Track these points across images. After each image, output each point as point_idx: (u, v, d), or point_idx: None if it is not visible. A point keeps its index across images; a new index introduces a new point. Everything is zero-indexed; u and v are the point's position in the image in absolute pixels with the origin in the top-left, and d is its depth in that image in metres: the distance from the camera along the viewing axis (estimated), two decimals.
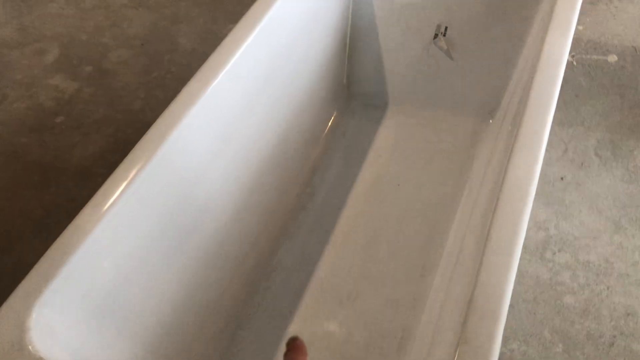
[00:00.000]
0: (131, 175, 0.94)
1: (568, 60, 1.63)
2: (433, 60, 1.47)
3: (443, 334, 0.93)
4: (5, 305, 0.76)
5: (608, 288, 1.17)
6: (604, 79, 1.57)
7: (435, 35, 1.45)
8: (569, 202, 1.31)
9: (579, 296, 1.16)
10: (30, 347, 0.73)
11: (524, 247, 1.25)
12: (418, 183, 1.36)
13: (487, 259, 0.80)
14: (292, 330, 1.14)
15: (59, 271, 0.80)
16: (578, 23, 1.58)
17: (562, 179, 1.36)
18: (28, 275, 0.78)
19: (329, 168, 1.42)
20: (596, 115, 1.49)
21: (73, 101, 1.74)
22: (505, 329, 1.14)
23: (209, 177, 1.10)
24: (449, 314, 0.94)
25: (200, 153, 1.07)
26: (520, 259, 1.23)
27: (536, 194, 1.37)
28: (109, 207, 0.89)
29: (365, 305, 1.16)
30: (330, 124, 1.51)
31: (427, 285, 1.17)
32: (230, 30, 1.12)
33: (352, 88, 1.57)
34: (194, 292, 1.09)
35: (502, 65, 1.40)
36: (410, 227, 1.28)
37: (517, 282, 1.19)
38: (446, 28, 1.44)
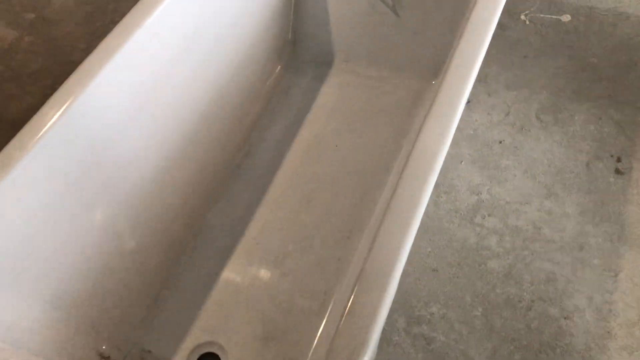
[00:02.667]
0: (38, 135, 0.92)
1: (521, 19, 1.59)
2: (379, 17, 1.43)
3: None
4: None
5: (532, 254, 1.18)
6: (555, 39, 1.53)
7: None
8: (505, 167, 1.31)
9: (503, 261, 1.17)
10: None
11: (455, 210, 1.25)
12: (356, 145, 1.34)
13: (384, 226, 0.80)
14: (215, 294, 1.14)
15: None
16: None
17: (500, 142, 1.35)
18: None
19: (268, 127, 1.39)
20: (542, 77, 1.46)
21: (12, 50, 1.67)
22: (426, 293, 1.15)
23: (129, 134, 1.07)
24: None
25: (118, 110, 1.04)
26: (450, 222, 1.24)
27: (473, 158, 1.37)
28: (13, 165, 0.87)
29: (292, 266, 1.17)
30: (272, 80, 1.47)
31: (352, 248, 1.18)
32: None
33: (298, 44, 1.53)
34: (115, 252, 1.08)
35: (447, 24, 1.36)
36: (344, 190, 1.27)
37: (444, 246, 1.20)
38: None
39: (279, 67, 1.50)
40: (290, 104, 1.43)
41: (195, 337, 1.10)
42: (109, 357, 1.06)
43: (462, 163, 1.32)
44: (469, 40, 1.08)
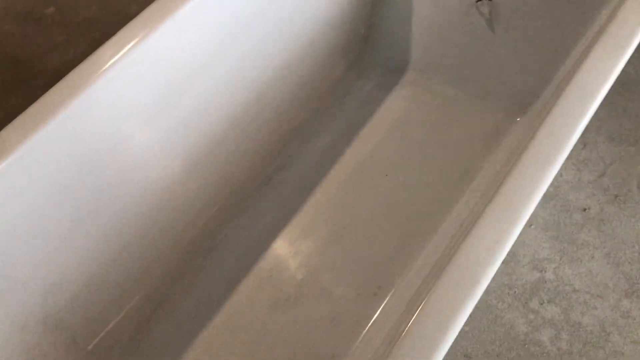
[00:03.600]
0: (34, 128, 0.79)
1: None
2: (470, 28, 1.18)
3: None
4: None
5: None
6: None
7: None
8: (583, 242, 1.07)
9: None
10: None
11: (509, 286, 1.04)
12: (410, 178, 1.14)
13: (433, 295, 0.63)
14: (213, 324, 1.01)
15: None
16: None
17: (584, 210, 1.11)
18: None
19: (312, 137, 1.20)
20: None
21: None
22: None
23: (139, 136, 0.93)
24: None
25: (131, 107, 0.89)
26: (500, 300, 1.03)
27: (546, 223, 1.13)
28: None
29: (302, 313, 1.01)
30: (329, 81, 1.27)
31: (376, 307, 1.00)
32: None
33: (370, 42, 1.31)
34: (109, 261, 0.96)
35: (551, 53, 1.10)
36: (383, 233, 1.08)
37: (486, 328, 1.00)
38: None
39: (341, 66, 1.29)
40: (344, 113, 1.23)
41: None
42: None
43: (532, 227, 1.10)
44: (592, 70, 0.83)
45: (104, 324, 0.98)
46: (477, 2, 1.16)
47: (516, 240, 1.04)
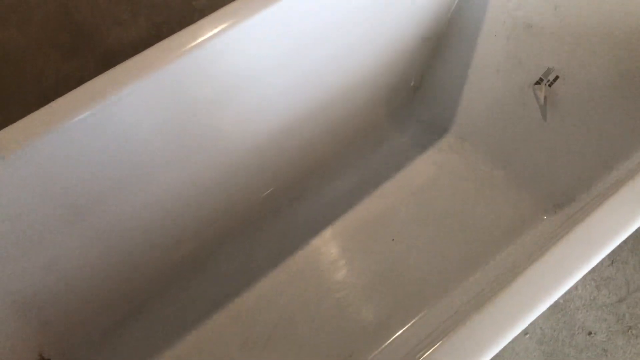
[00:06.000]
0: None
1: None
2: (522, 108, 1.11)
3: None
4: None
5: None
6: None
7: (539, 81, 1.07)
8: None
9: None
10: None
11: None
12: (417, 249, 1.09)
13: None
14: (181, 347, 1.01)
15: None
16: None
17: (589, 334, 1.02)
18: None
19: (334, 178, 1.17)
20: None
21: None
22: None
23: (150, 148, 0.92)
24: None
25: (147, 119, 0.88)
26: None
27: (543, 336, 1.05)
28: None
29: (271, 358, 1.00)
30: (369, 125, 1.23)
31: None
32: None
33: (417, 95, 1.25)
34: (95, 257, 0.98)
35: (601, 159, 1.02)
36: (373, 300, 1.04)
37: None
38: (556, 78, 1.05)
39: (383, 112, 1.25)
40: (371, 162, 1.19)
41: None
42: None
43: (527, 336, 1.03)
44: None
45: (75, 314, 1.00)
46: (535, 84, 1.08)
47: (506, 345, 0.98)
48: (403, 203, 1.14)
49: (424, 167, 1.18)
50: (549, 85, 1.07)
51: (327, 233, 1.11)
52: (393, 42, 1.12)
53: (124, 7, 1.51)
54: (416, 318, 1.03)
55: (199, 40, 0.82)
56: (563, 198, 1.08)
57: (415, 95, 1.25)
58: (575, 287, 1.07)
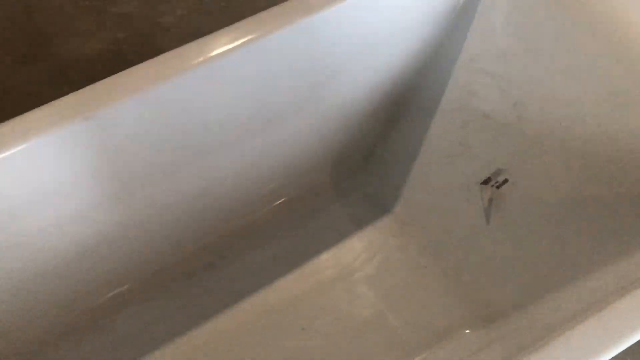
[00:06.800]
0: None
1: None
2: (467, 204, 1.00)
3: None
4: None
5: None
6: None
7: (488, 180, 0.96)
8: None
9: None
10: None
11: None
12: (324, 342, 0.99)
13: None
14: None
15: None
16: None
17: None
18: None
19: (257, 245, 1.08)
20: None
21: None
22: None
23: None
24: None
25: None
26: None
27: None
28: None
29: None
30: (307, 189, 1.13)
31: None
32: None
33: (368, 166, 1.14)
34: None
35: (544, 276, 0.90)
36: None
37: None
38: (505, 181, 0.94)
39: (326, 177, 1.14)
40: (301, 233, 1.09)
41: None
42: None
43: None
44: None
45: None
46: (482, 182, 0.96)
47: None
48: (325, 287, 1.04)
49: (358, 247, 1.08)
50: (497, 187, 0.95)
51: (234, 311, 1.01)
52: (343, 107, 1.01)
53: (90, 18, 1.43)
54: None
55: None
56: (495, 314, 0.96)
57: (366, 165, 1.14)
58: None
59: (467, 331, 0.97)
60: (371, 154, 1.13)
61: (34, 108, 0.64)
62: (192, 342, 0.98)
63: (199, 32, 0.74)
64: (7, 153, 0.63)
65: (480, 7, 0.92)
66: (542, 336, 0.63)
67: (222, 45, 0.73)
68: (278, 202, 1.11)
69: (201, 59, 0.72)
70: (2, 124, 0.63)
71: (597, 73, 0.79)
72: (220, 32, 0.74)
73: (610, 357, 0.57)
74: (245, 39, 0.73)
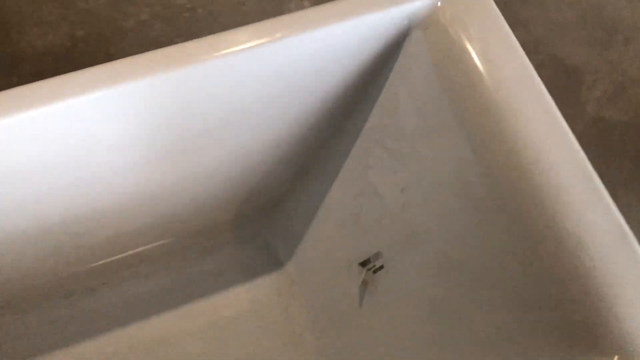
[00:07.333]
0: None
1: None
2: (346, 281, 0.94)
3: None
4: None
5: None
6: None
7: (366, 262, 0.90)
8: None
9: None
10: None
11: None
12: None
13: None
14: None
15: None
16: None
17: None
18: None
19: (140, 276, 1.06)
20: None
21: None
22: None
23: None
24: None
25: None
26: None
27: None
28: None
29: None
30: (207, 224, 1.09)
31: None
32: None
33: (274, 213, 1.09)
34: None
35: None
36: None
37: None
38: (381, 267, 0.87)
39: (230, 215, 1.10)
40: (193, 270, 1.06)
41: None
42: None
43: None
44: None
45: None
46: (360, 263, 0.90)
47: None
48: (194, 334, 1.01)
49: (243, 298, 1.04)
50: (373, 272, 0.89)
51: (104, 341, 1.00)
52: (249, 151, 0.97)
53: (54, 9, 1.42)
54: None
55: None
56: None
57: (272, 212, 1.10)
58: None
59: None
60: (278, 202, 1.08)
61: None
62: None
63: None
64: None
65: (391, 78, 0.85)
66: None
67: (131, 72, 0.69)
68: (174, 236, 1.08)
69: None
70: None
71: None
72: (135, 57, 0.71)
73: None
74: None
